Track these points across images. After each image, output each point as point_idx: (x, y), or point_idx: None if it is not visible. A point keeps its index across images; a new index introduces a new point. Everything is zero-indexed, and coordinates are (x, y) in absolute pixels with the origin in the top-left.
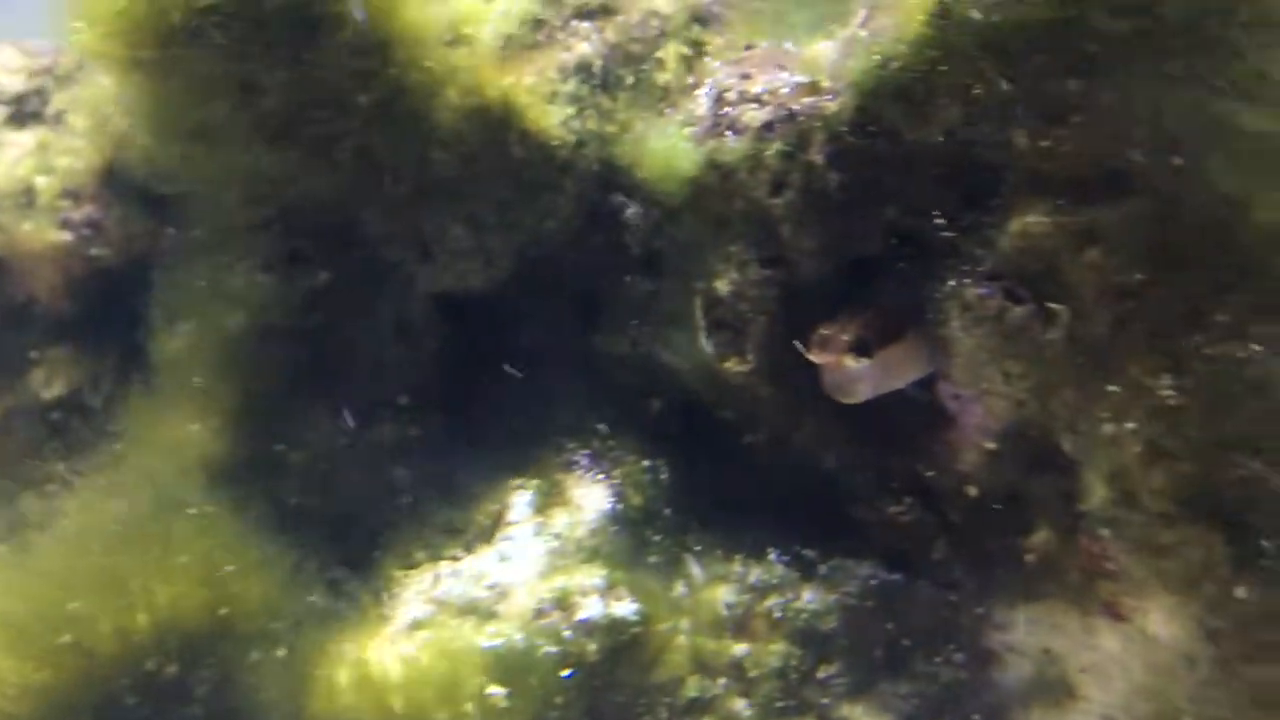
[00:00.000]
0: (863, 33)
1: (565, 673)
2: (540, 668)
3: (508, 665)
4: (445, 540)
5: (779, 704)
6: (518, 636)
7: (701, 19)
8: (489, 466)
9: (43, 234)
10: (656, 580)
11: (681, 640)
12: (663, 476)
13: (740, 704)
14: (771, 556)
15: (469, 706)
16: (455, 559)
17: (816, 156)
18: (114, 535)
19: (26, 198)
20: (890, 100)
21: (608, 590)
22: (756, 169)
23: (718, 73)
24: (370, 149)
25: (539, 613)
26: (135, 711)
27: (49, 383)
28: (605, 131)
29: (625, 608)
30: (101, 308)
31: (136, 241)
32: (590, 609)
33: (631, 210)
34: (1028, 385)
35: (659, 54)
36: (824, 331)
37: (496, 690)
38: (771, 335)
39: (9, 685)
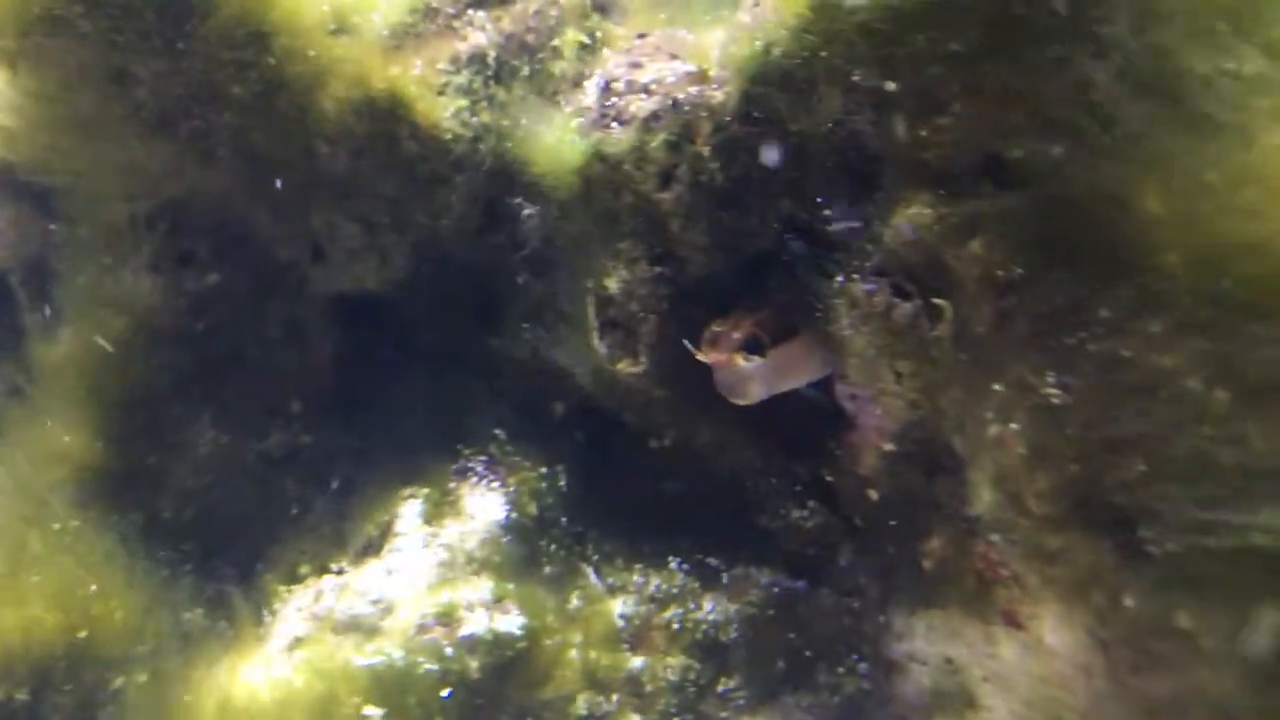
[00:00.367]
0: (746, 18)
1: (445, 692)
2: (419, 687)
3: (386, 685)
4: (332, 553)
5: (676, 719)
6: (397, 654)
7: (602, 7)
8: (381, 475)
9: None
10: (550, 592)
11: (573, 655)
12: (561, 484)
13: None
14: (673, 565)
15: None
16: (341, 573)
17: (704, 148)
18: None
19: None
20: (774, 89)
21: (494, 604)
22: (643, 161)
23: (608, 62)
24: (252, 143)
25: (421, 628)
26: None
27: None
28: (500, 125)
29: (510, 622)
30: None
31: (29, 243)
32: (474, 624)
33: (528, 207)
34: (918, 385)
35: (556, 43)
36: (715, 329)
37: (373, 711)
38: (663, 335)
39: None
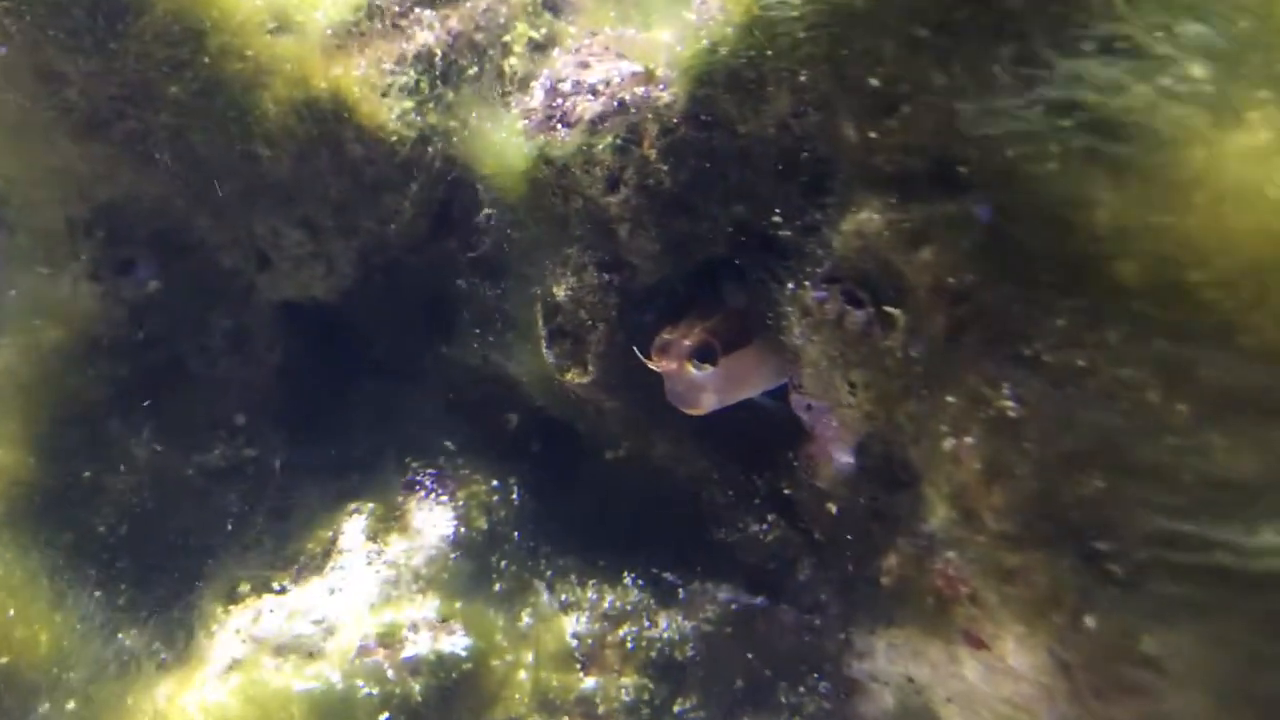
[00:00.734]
0: (693, 16)
1: (384, 716)
2: (358, 712)
3: (323, 710)
4: (273, 571)
5: None
6: (335, 678)
7: (553, 6)
8: (326, 489)
9: None
10: (500, 610)
11: (522, 676)
12: (514, 497)
13: None
14: (628, 580)
15: None
16: (282, 591)
17: (650, 151)
18: None
19: None
20: (721, 89)
21: (439, 623)
22: (590, 164)
23: (556, 62)
24: (190, 146)
25: (362, 650)
26: None
27: None
28: (448, 126)
29: (455, 642)
30: None
31: None
32: (417, 645)
33: (479, 212)
34: (872, 396)
35: (506, 40)
36: (665, 337)
37: None
38: (612, 344)
39: None
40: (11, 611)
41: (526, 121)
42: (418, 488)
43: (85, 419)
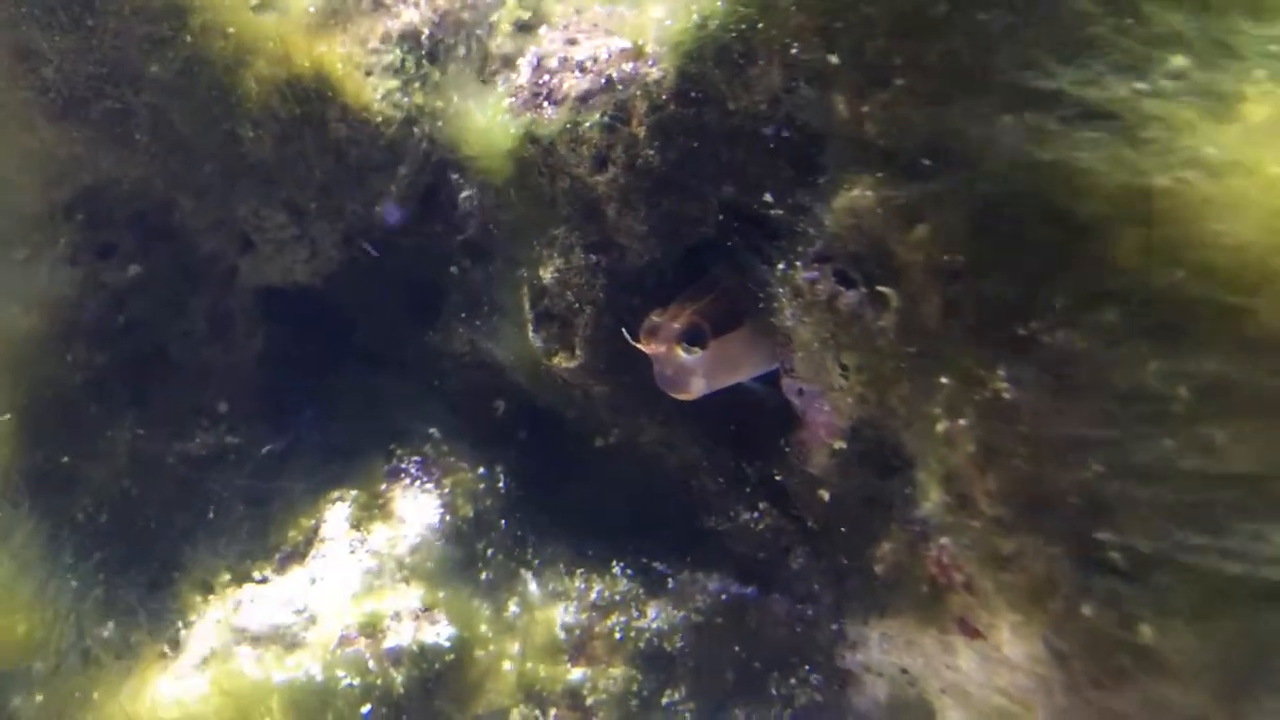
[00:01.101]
0: None
1: (365, 708)
2: (338, 703)
3: (301, 702)
4: (255, 561)
5: None
6: (315, 669)
7: None
8: (309, 477)
9: None
10: (485, 600)
11: (507, 667)
12: (500, 484)
13: None
14: (616, 570)
15: None
16: (263, 580)
17: (639, 128)
18: None
19: None
20: (711, 64)
21: (422, 613)
22: (576, 143)
23: (544, 39)
24: (171, 126)
25: (343, 640)
26: None
27: None
28: (434, 106)
29: (438, 632)
30: None
31: None
32: (399, 635)
33: (465, 192)
34: (865, 379)
35: (494, 19)
36: (654, 319)
37: None
38: (600, 327)
39: None
40: None
41: (512, 99)
42: (402, 475)
43: (64, 406)
